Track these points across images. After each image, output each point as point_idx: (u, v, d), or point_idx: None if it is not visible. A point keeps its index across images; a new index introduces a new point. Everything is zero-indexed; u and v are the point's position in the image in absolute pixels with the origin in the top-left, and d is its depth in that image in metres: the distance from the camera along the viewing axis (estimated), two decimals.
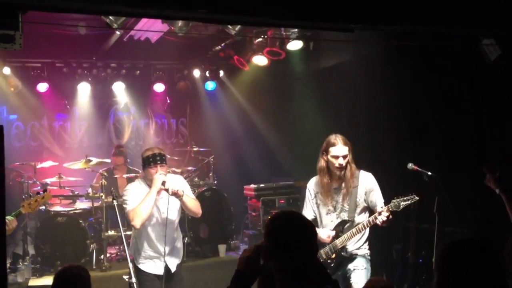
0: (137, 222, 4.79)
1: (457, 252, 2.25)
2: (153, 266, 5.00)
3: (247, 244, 7.74)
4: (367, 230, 4.67)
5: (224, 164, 9.05)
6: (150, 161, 4.85)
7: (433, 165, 5.30)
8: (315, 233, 2.39)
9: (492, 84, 5.35)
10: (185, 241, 6.64)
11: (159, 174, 4.83)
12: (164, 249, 4.93)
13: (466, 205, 5.53)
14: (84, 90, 8.88)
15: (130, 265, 4.42)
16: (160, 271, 4.98)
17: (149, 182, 4.91)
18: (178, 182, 5.10)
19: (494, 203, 4.99)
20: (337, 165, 4.53)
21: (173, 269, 5.05)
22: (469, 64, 5.51)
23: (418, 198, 4.39)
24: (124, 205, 4.93)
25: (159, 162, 4.85)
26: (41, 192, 5.08)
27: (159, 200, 4.94)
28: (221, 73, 9.31)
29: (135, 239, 5.09)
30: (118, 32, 6.97)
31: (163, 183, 4.79)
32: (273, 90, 9.04)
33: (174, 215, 5.05)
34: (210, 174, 8.02)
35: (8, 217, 4.60)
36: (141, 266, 5.00)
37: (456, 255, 2.24)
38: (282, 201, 7.51)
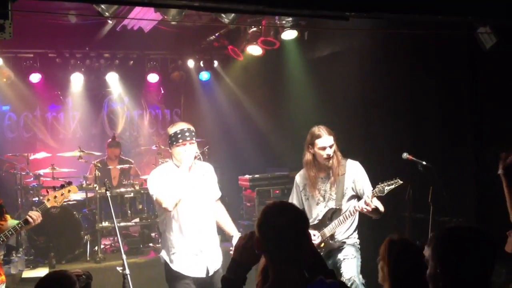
0: (169, 204, 4.15)
1: (461, 239, 2.21)
2: (190, 266, 4.26)
3: (242, 234, 7.72)
4: (356, 219, 4.67)
5: (218, 155, 9.02)
6: (178, 137, 4.22)
7: (429, 154, 5.28)
8: (307, 224, 2.36)
9: (489, 72, 5.32)
10: None
11: (189, 149, 4.23)
12: (211, 236, 4.31)
13: (461, 195, 5.52)
14: (77, 81, 8.83)
15: (124, 256, 4.31)
16: (200, 273, 4.27)
17: (177, 163, 4.30)
18: (209, 172, 4.57)
19: (489, 193, 4.99)
20: (325, 156, 4.54)
21: (211, 271, 4.33)
22: (466, 53, 5.49)
23: (401, 182, 4.40)
24: (151, 193, 4.31)
25: (188, 138, 4.23)
26: (65, 185, 4.71)
27: (193, 183, 4.31)
28: (215, 63, 9.26)
29: (165, 236, 4.38)
30: (110, 22, 6.89)
31: (195, 155, 4.26)
32: (268, 80, 9.00)
33: (210, 204, 4.47)
34: None
35: (34, 212, 4.43)
36: (175, 267, 4.28)
37: (460, 242, 2.19)
38: (277, 192, 7.49)
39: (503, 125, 5.23)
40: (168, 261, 4.33)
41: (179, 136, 4.23)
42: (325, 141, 4.53)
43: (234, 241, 4.40)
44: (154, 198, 4.29)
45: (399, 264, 2.72)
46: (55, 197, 4.61)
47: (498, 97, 5.28)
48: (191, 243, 4.29)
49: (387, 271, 2.74)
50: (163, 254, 4.40)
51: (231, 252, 4.11)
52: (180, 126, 4.31)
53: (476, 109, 5.57)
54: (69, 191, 4.68)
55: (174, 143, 4.27)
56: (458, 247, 2.17)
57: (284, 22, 6.67)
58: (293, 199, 4.83)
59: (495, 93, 5.31)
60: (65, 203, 7.09)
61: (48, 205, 4.57)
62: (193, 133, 4.30)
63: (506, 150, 4.14)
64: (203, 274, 4.28)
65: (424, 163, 5.02)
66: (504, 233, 3.68)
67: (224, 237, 7.38)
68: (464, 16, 4.15)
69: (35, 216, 4.41)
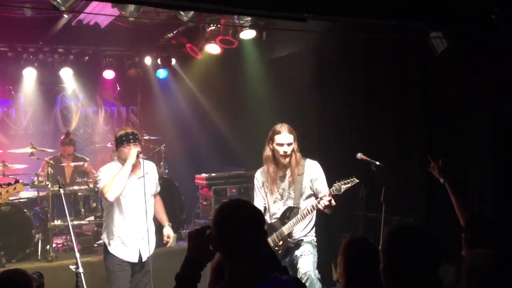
0: (110, 195, 4.74)
1: (407, 238, 2.33)
2: (126, 252, 4.93)
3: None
4: (314, 217, 4.76)
5: (175, 153, 8.97)
6: (123, 140, 4.85)
7: (382, 154, 5.41)
8: (263, 222, 2.39)
9: (440, 76, 5.50)
10: None
11: (133, 149, 4.83)
12: (147, 227, 4.92)
13: (412, 195, 5.68)
14: (29, 76, 8.60)
15: (77, 255, 4.32)
16: (133, 258, 4.94)
17: (122, 162, 4.90)
18: (152, 170, 5.20)
19: (440, 193, 5.15)
20: (282, 152, 4.62)
21: (144, 258, 5.00)
22: (420, 56, 5.64)
23: (358, 180, 4.56)
24: (98, 185, 4.95)
25: (132, 140, 4.86)
26: (12, 183, 4.78)
27: (136, 180, 4.93)
28: (173, 61, 9.16)
29: (107, 222, 5.03)
30: (66, 16, 6.73)
31: (138, 153, 4.82)
32: (226, 79, 9.01)
33: (151, 199, 5.10)
34: (161, 163, 7.93)
35: None
36: (112, 251, 4.93)
37: (406, 241, 2.31)
38: (234, 190, 7.53)
39: (453, 128, 5.42)
40: (107, 243, 4.98)
41: (124, 139, 4.87)
42: (283, 138, 4.62)
43: (165, 230, 5.27)
44: (100, 189, 4.87)
45: (354, 261, 2.85)
46: (0, 194, 4.54)
47: (449, 100, 5.46)
48: (130, 231, 4.93)
49: (343, 268, 2.86)
50: (104, 237, 5.05)
51: (168, 246, 5.28)
52: (125, 130, 4.98)
53: (428, 112, 5.74)
54: (14, 188, 4.76)
55: (120, 144, 4.89)
56: (402, 244, 2.31)
57: (242, 21, 6.70)
58: (257, 195, 4.89)
59: (446, 97, 5.49)
60: (15, 201, 6.92)
61: None
62: (137, 136, 4.94)
63: (435, 158, 4.30)
64: (135, 260, 4.96)
65: (377, 163, 5.15)
66: (453, 231, 3.81)
67: (180, 236, 7.44)
68: (418, 21, 4.28)
69: None
